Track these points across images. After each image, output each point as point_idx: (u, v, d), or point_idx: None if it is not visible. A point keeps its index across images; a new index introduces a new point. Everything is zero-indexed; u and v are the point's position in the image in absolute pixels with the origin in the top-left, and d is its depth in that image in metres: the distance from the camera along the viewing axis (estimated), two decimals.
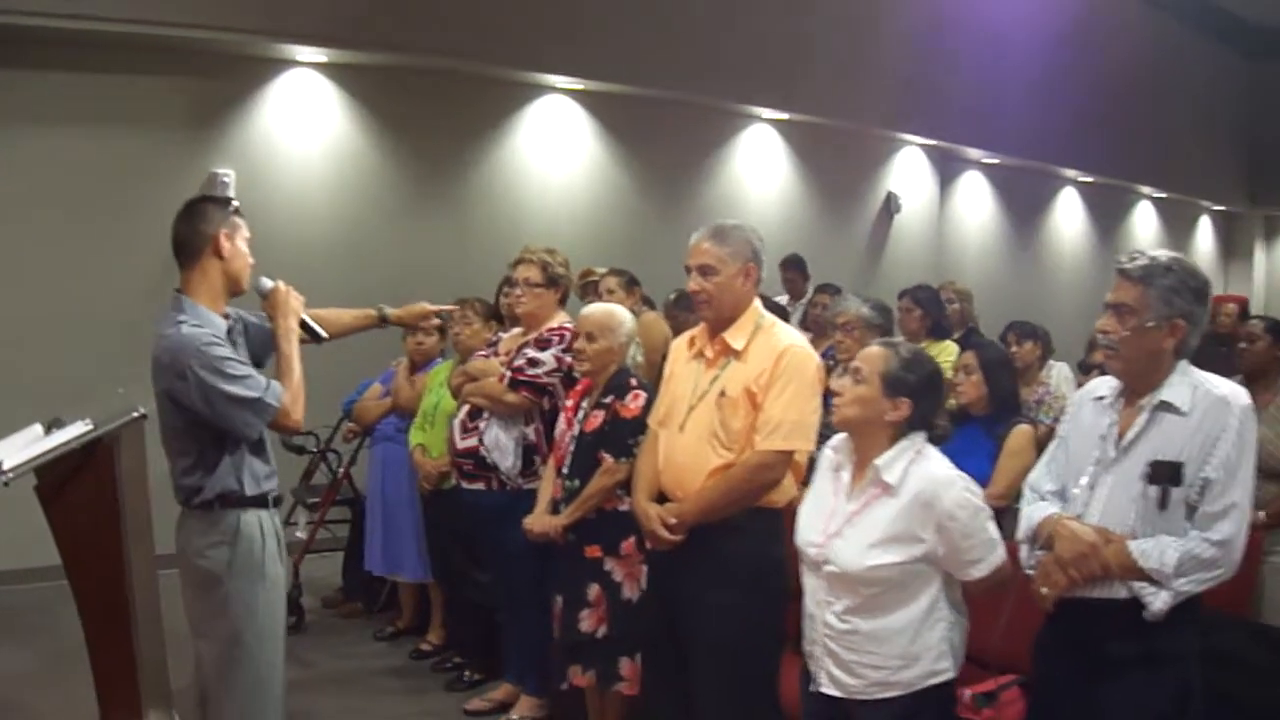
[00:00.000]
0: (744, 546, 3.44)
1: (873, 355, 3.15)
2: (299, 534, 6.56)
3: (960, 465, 4.50)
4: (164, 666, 3.96)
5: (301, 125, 7.91)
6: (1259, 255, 18.40)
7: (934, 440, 3.15)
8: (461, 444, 4.85)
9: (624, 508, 4.16)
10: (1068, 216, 14.88)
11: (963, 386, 4.71)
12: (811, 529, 3.16)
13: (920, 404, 3.07)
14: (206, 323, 3.39)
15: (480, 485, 4.84)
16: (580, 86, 9.02)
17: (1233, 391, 2.84)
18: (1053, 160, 13.71)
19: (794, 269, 9.20)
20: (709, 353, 3.73)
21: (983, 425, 4.63)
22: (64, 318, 6.98)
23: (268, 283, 3.60)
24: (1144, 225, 16.45)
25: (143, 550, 3.75)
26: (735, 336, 3.67)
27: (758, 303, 3.77)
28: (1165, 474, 2.80)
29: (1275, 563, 4.71)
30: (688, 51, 9.20)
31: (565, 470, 4.39)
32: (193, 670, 3.72)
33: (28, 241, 6.96)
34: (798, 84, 10.07)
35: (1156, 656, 2.82)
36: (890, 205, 11.57)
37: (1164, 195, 16.33)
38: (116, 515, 3.63)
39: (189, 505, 3.46)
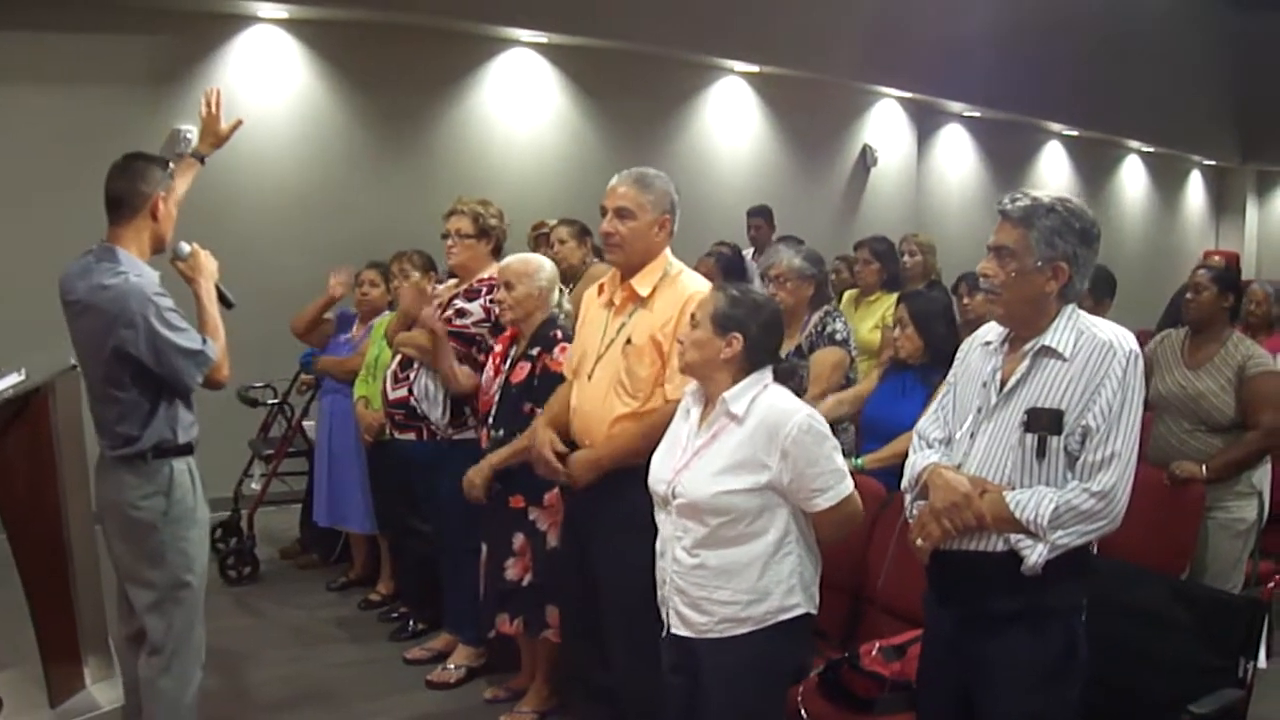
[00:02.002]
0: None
1: (704, 300, 3.20)
2: (254, 485, 6.60)
3: (893, 409, 4.61)
4: (102, 615, 4.00)
5: (264, 82, 7.87)
6: (1251, 211, 18.24)
7: (779, 377, 3.16)
8: (393, 394, 4.88)
9: None
10: (1053, 171, 14.71)
11: (899, 340, 4.65)
12: (662, 468, 3.19)
13: (751, 337, 3.09)
14: (146, 274, 3.46)
15: (411, 435, 4.88)
16: (545, 40, 8.94)
17: (1118, 336, 2.71)
18: (1036, 113, 13.53)
19: (760, 216, 9.04)
20: (616, 299, 3.76)
21: (918, 373, 4.59)
22: (6, 275, 6.86)
23: (186, 247, 3.68)
24: (1132, 180, 16.28)
25: (80, 500, 3.78)
26: (642, 283, 3.69)
27: (668, 253, 3.79)
28: (1043, 421, 2.69)
29: (1219, 518, 4.56)
30: (655, 3, 9.10)
31: (491, 421, 4.40)
32: (116, 614, 3.80)
33: None
34: (769, 35, 9.93)
35: (1039, 612, 2.72)
36: (866, 158, 11.46)
37: (1153, 150, 16.13)
38: (53, 465, 3.67)
39: (119, 456, 3.50)
